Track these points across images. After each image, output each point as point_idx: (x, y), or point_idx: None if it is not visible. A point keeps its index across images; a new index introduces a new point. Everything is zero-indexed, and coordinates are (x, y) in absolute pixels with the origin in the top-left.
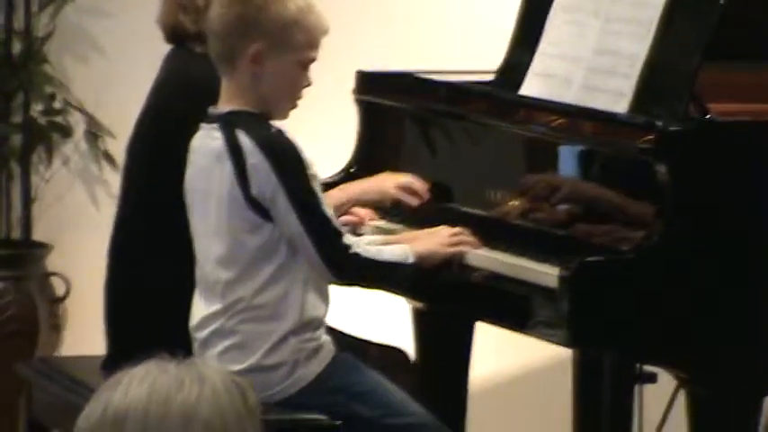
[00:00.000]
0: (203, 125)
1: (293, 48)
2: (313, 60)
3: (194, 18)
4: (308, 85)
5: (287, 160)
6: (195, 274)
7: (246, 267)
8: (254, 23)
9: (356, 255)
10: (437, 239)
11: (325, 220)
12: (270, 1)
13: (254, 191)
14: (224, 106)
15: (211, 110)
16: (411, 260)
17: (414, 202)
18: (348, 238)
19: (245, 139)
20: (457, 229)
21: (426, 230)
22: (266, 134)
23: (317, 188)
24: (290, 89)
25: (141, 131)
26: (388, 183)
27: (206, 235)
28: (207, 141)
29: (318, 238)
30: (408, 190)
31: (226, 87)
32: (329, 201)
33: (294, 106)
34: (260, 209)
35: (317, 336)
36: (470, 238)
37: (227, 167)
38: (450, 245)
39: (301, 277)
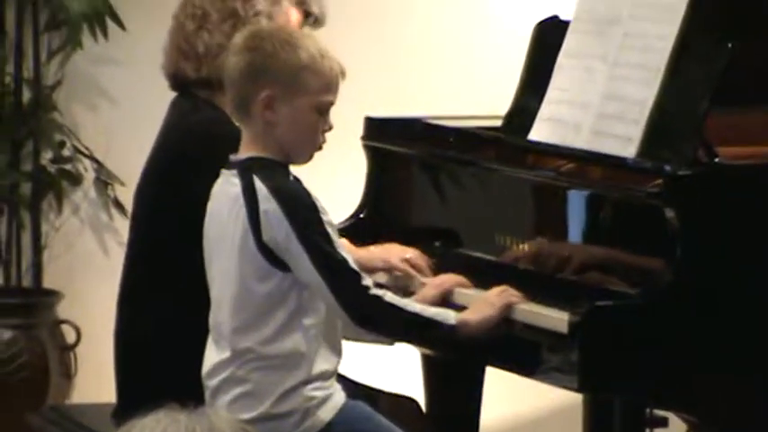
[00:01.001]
0: (223, 171)
1: (306, 92)
2: (331, 104)
3: (195, 65)
4: (329, 129)
5: (300, 206)
6: (207, 321)
7: (256, 316)
8: (264, 70)
9: (377, 297)
10: (484, 305)
11: (342, 261)
12: (280, 47)
13: (266, 237)
14: (244, 153)
15: (232, 157)
16: (451, 322)
17: (418, 278)
18: (368, 281)
19: (260, 185)
20: (502, 289)
21: (476, 296)
22: (281, 181)
23: (332, 233)
24: (308, 134)
25: (147, 178)
26: (393, 255)
27: (219, 281)
28: (225, 187)
29: (334, 280)
30: (413, 264)
31: (245, 134)
32: None
33: (315, 150)
34: (271, 256)
35: (327, 385)
36: (516, 294)
37: (242, 214)
38: (498, 307)
39: (314, 330)
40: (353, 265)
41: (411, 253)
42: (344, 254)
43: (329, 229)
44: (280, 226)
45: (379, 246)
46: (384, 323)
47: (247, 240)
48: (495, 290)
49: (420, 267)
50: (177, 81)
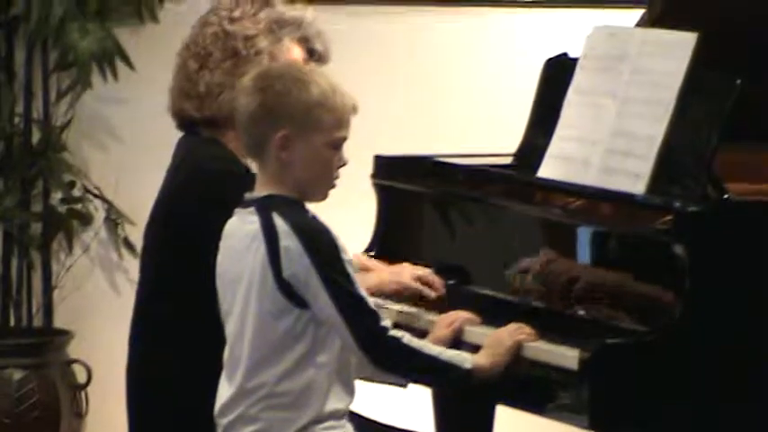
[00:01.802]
0: (238, 210)
1: (320, 130)
2: (344, 140)
3: (197, 104)
4: (344, 164)
5: (321, 243)
6: (219, 359)
7: (271, 353)
8: (277, 110)
9: (395, 339)
10: (498, 345)
11: (361, 301)
12: (292, 85)
13: (286, 273)
14: (260, 191)
15: (247, 195)
16: (467, 366)
17: (432, 294)
18: (387, 322)
19: (279, 222)
20: (516, 327)
21: (489, 336)
22: (301, 218)
23: (351, 271)
24: (323, 170)
25: (156, 217)
26: (405, 274)
27: (233, 318)
28: (242, 225)
29: (353, 320)
30: (425, 282)
31: (260, 174)
32: None
33: (331, 186)
34: (290, 292)
35: (340, 424)
36: (529, 332)
37: (261, 249)
38: (511, 346)
39: (327, 368)
40: (372, 306)
41: (422, 271)
42: (363, 293)
43: (349, 268)
44: (301, 262)
45: (389, 268)
46: (400, 365)
47: (266, 277)
48: (509, 327)
49: (433, 283)
50: (181, 121)
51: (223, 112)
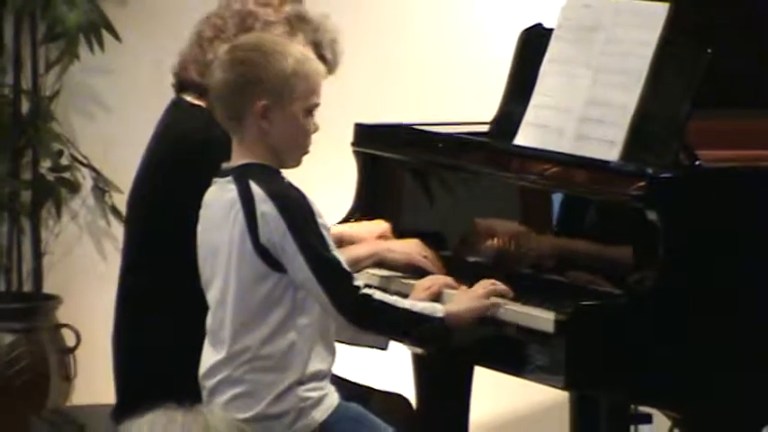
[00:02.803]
0: (216, 180)
1: (297, 98)
2: (317, 105)
3: (201, 69)
4: (316, 130)
5: (296, 208)
6: (203, 324)
7: (252, 317)
8: (256, 82)
9: (367, 296)
10: (470, 294)
11: (335, 263)
12: (269, 57)
13: (263, 239)
14: (237, 161)
15: (224, 165)
16: (439, 315)
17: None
18: (360, 282)
19: (256, 189)
20: (489, 282)
21: (462, 289)
22: (277, 184)
23: (326, 235)
24: (300, 137)
25: (138, 184)
26: (415, 251)
27: (215, 285)
28: (220, 194)
29: (327, 281)
30: (432, 263)
31: (237, 145)
32: (353, 252)
33: (306, 152)
34: (268, 257)
35: (322, 386)
36: (503, 287)
37: (239, 217)
38: (484, 296)
39: (308, 330)
40: (346, 267)
41: (428, 254)
42: (338, 255)
43: (324, 232)
44: (277, 227)
45: (398, 240)
46: (376, 321)
47: (245, 243)
48: (482, 283)
49: (437, 265)
50: (180, 82)
51: None
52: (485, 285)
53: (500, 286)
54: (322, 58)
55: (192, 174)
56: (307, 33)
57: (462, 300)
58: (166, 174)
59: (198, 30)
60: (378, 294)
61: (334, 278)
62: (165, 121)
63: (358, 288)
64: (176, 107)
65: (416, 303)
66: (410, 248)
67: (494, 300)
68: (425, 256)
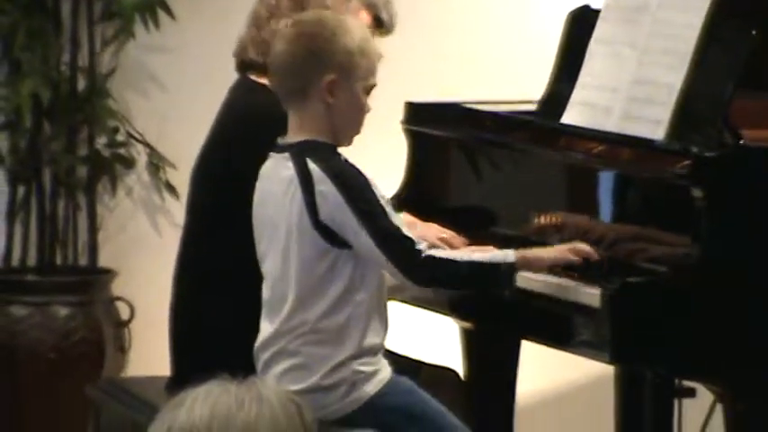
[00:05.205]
0: (273, 154)
1: (360, 76)
2: (374, 86)
3: (260, 49)
4: (369, 111)
5: (353, 184)
6: (259, 297)
7: (312, 291)
8: (325, 55)
9: (431, 256)
10: (549, 248)
11: (396, 231)
12: (336, 32)
13: (323, 216)
14: (294, 137)
15: (281, 140)
16: (511, 259)
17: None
18: (422, 245)
19: (314, 167)
20: (577, 241)
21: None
22: (335, 162)
23: (385, 204)
24: (359, 116)
25: (203, 161)
26: (431, 233)
27: (272, 258)
28: (278, 170)
29: (392, 250)
30: (448, 244)
31: (296, 119)
32: None
33: (359, 132)
34: (328, 234)
35: (375, 360)
36: (588, 248)
37: (297, 195)
38: (564, 249)
39: (365, 305)
40: (407, 233)
41: (446, 233)
42: (398, 222)
43: (382, 201)
44: (336, 204)
45: (417, 222)
46: (444, 278)
47: (304, 220)
48: (568, 244)
49: (457, 245)
50: (242, 63)
51: None
52: (571, 243)
53: (585, 247)
54: (378, 19)
55: (257, 150)
56: None
57: (540, 250)
58: (233, 150)
59: (254, 11)
60: (440, 253)
61: (397, 246)
62: (232, 98)
63: (421, 252)
64: (241, 85)
65: (483, 254)
66: (426, 232)
67: (569, 255)
68: (443, 238)
